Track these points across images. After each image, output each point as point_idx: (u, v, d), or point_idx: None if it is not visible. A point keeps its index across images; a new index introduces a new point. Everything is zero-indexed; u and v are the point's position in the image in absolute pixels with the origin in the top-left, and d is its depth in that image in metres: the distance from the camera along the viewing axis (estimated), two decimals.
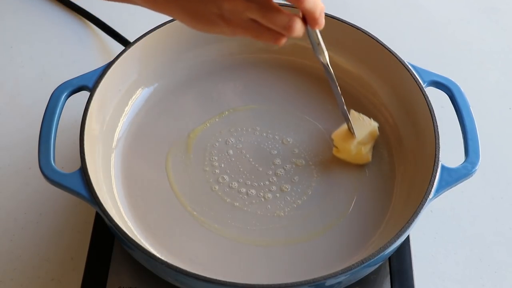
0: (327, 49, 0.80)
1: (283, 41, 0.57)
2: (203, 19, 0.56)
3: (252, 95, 0.80)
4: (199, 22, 0.56)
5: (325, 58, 0.64)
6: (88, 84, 0.71)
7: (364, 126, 0.73)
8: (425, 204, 0.63)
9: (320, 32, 0.61)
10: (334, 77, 0.67)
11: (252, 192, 0.71)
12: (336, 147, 0.74)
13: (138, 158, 0.74)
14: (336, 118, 0.78)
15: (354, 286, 0.66)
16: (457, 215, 0.76)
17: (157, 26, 0.76)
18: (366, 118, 0.74)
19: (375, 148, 0.75)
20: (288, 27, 0.55)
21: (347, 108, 0.71)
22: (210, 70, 0.82)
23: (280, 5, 0.56)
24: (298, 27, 0.56)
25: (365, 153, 0.73)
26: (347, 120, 0.72)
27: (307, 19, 0.57)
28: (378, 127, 0.74)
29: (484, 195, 0.78)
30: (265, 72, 0.82)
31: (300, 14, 0.57)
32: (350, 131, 0.72)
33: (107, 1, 0.67)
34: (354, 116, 0.74)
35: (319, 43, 0.62)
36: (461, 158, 0.67)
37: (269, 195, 0.71)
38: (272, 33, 0.56)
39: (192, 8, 0.55)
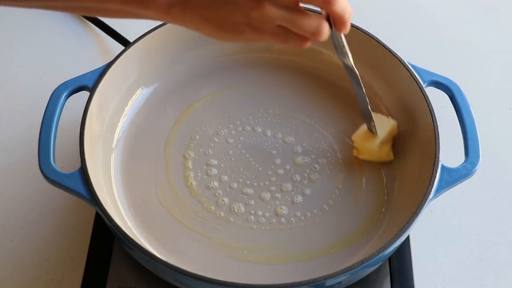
0: (326, 48, 0.81)
1: (309, 44, 0.56)
2: (228, 28, 0.53)
3: (252, 95, 0.80)
4: (222, 31, 0.53)
5: (350, 61, 0.63)
6: (88, 84, 0.71)
7: (383, 124, 0.73)
8: (425, 204, 0.63)
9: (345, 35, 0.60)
10: (359, 78, 0.67)
11: (251, 192, 0.71)
12: (357, 149, 0.73)
13: (138, 158, 0.74)
14: (336, 117, 0.78)
15: (354, 286, 0.66)
16: (457, 215, 0.76)
17: (157, 26, 0.76)
18: (383, 116, 0.74)
19: None
20: (317, 33, 0.54)
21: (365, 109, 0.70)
22: (210, 70, 0.82)
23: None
24: (326, 32, 0.55)
25: (387, 151, 0.73)
26: (369, 120, 0.72)
27: (335, 23, 0.56)
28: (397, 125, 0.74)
29: (484, 195, 0.78)
30: (266, 72, 0.82)
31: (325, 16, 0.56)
32: (372, 131, 0.72)
33: None
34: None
35: (343, 46, 0.61)
36: (461, 158, 0.67)
37: (269, 194, 0.71)
38: (298, 37, 0.55)
39: (215, 17, 0.52)
